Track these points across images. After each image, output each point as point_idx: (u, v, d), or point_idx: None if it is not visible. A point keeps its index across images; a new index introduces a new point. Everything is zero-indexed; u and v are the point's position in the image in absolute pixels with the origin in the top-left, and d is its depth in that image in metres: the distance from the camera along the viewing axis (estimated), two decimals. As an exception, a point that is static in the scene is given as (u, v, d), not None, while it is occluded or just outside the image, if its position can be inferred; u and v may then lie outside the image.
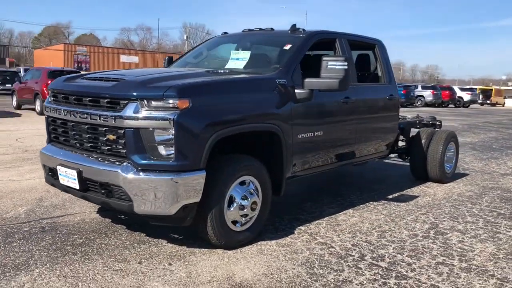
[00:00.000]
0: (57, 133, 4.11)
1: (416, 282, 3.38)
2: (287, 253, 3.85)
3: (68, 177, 3.77)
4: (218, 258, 3.69)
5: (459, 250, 4.09)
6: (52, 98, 4.11)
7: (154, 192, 3.38)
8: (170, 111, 3.35)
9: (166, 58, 5.77)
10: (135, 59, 73.25)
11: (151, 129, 3.36)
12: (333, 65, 4.19)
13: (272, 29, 5.30)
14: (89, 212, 4.75)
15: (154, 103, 3.37)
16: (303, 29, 4.98)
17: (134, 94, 3.41)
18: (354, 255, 3.87)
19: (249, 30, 5.50)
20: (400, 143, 7.07)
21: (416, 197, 5.93)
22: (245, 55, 4.90)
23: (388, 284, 3.34)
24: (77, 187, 3.71)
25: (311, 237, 4.28)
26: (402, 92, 35.15)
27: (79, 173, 3.66)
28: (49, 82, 14.62)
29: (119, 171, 3.42)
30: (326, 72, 4.20)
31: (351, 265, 3.65)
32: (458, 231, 4.61)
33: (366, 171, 7.69)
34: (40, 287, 3.09)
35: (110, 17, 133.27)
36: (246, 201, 3.83)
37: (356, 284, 3.32)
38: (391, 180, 7.02)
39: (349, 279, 3.39)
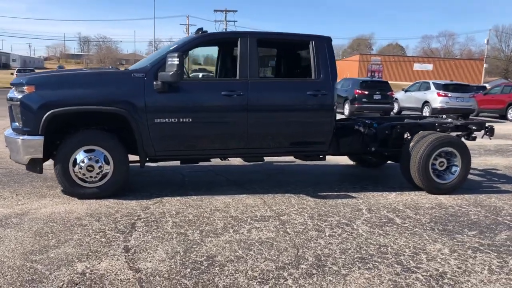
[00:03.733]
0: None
1: (119, 238, 4.11)
2: (105, 206, 4.97)
3: (4, 139, 5.87)
4: (62, 201, 5.17)
5: (230, 228, 4.35)
6: None
7: (14, 146, 5.15)
8: (21, 94, 5.06)
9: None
10: (429, 67, 72.50)
11: (15, 105, 5.15)
12: (171, 61, 5.04)
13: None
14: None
15: (17, 88, 5.15)
16: (205, 31, 5.75)
17: (12, 82, 5.28)
18: (138, 215, 4.70)
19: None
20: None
21: (349, 198, 5.71)
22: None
23: (105, 232, 4.19)
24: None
25: (154, 203, 5.18)
26: None
27: (5, 136, 5.71)
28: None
29: (5, 132, 5.34)
30: (168, 67, 5.07)
31: (118, 218, 4.57)
32: (280, 222, 4.65)
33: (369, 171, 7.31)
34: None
35: (413, 26, 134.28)
36: (82, 163, 5.15)
37: (95, 228, 4.30)
38: (369, 182, 6.61)
39: (95, 226, 4.39)
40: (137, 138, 5.26)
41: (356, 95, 19.50)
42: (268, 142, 5.72)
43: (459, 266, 3.71)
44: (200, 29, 5.84)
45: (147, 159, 5.61)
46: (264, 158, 6.26)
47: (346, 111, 19.92)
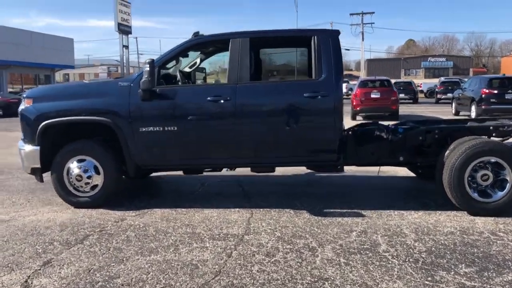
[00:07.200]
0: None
1: (55, 250, 4.07)
2: (86, 216, 5.01)
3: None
4: (58, 209, 5.34)
5: (174, 246, 4.04)
6: None
7: (20, 156, 5.51)
8: (24, 106, 5.41)
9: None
10: None
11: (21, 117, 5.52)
12: (145, 69, 4.91)
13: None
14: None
15: (23, 101, 5.51)
16: (201, 35, 5.48)
17: (23, 96, 5.66)
18: (103, 227, 4.63)
19: None
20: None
21: (355, 216, 4.91)
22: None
23: (52, 243, 4.22)
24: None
25: (136, 215, 5.09)
26: None
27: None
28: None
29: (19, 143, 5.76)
30: (143, 74, 4.96)
31: (81, 229, 4.54)
32: (237, 242, 4.18)
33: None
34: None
35: None
36: (72, 173, 5.27)
37: (48, 239, 4.38)
38: (409, 199, 5.57)
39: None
40: (123, 148, 5.20)
41: (483, 95, 17.10)
42: (266, 151, 5.19)
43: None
44: (196, 33, 5.59)
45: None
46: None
47: (473, 114, 17.55)
